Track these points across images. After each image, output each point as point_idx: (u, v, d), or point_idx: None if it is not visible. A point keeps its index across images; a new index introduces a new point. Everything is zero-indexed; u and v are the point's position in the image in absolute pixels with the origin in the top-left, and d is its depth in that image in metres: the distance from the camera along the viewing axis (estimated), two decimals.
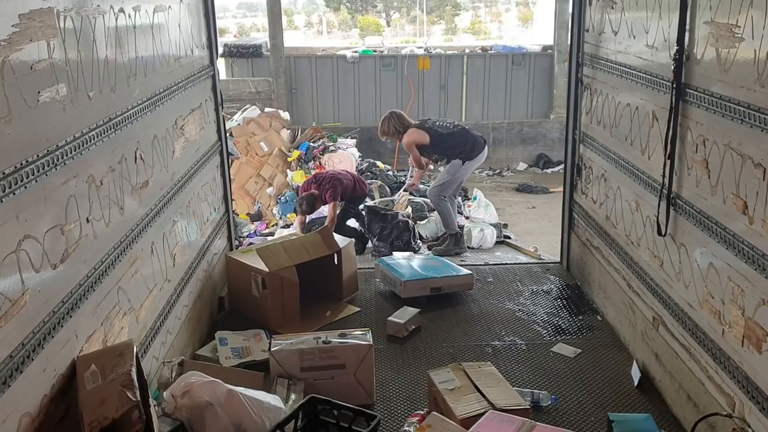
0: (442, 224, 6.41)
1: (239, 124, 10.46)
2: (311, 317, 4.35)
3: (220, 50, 6.12)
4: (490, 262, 5.61)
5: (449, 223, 6.22)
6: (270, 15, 12.31)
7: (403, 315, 4.27)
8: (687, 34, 3.01)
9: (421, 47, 13.63)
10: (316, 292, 4.53)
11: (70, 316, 2.36)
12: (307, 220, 7.06)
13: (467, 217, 7.91)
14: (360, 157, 10.23)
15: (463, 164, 6.14)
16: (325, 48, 13.86)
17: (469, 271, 4.90)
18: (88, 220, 2.53)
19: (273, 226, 9.08)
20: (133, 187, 3.03)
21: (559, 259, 5.40)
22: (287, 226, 8.85)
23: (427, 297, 4.63)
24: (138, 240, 3.06)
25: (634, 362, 3.75)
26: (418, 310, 4.35)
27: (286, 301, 4.25)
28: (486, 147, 6.30)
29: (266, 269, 4.19)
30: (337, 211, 6.63)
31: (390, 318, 4.26)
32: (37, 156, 2.16)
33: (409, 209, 7.71)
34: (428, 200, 7.84)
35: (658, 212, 3.29)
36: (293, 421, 2.92)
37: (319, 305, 4.52)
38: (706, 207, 2.90)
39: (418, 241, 6.57)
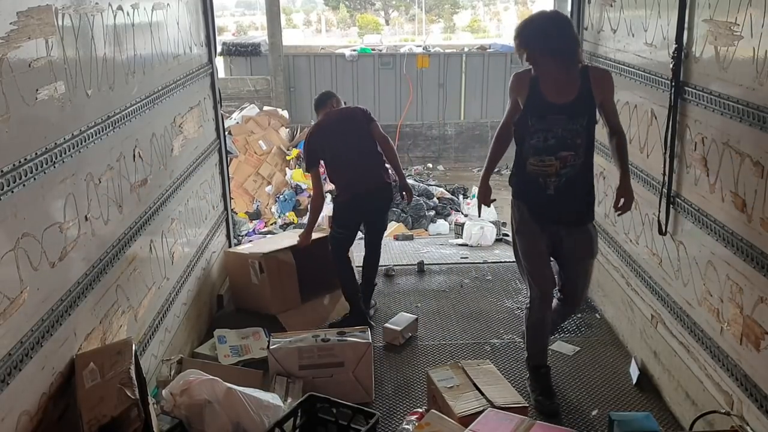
0: None
1: (238, 123, 10.47)
2: (311, 305, 4.44)
3: (219, 48, 6.12)
4: (489, 260, 5.60)
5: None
6: (268, 13, 12.32)
7: (400, 322, 4.17)
8: (686, 32, 3.01)
9: (420, 46, 13.66)
10: (314, 285, 4.54)
11: (69, 314, 2.36)
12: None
13: (466, 215, 7.93)
14: None
15: None
16: (323, 46, 13.89)
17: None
18: (86, 219, 2.53)
19: (271, 224, 9.07)
20: (131, 185, 3.03)
21: None
22: (285, 225, 8.84)
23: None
24: (136, 238, 3.06)
25: (633, 360, 3.75)
26: (416, 317, 4.27)
27: (285, 283, 4.33)
28: None
29: (262, 253, 4.33)
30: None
31: (386, 324, 4.17)
32: (36, 154, 2.16)
33: None
34: (425, 199, 7.76)
35: (659, 211, 3.29)
36: (292, 419, 2.92)
37: (318, 295, 4.55)
38: (704, 205, 2.90)
39: None
